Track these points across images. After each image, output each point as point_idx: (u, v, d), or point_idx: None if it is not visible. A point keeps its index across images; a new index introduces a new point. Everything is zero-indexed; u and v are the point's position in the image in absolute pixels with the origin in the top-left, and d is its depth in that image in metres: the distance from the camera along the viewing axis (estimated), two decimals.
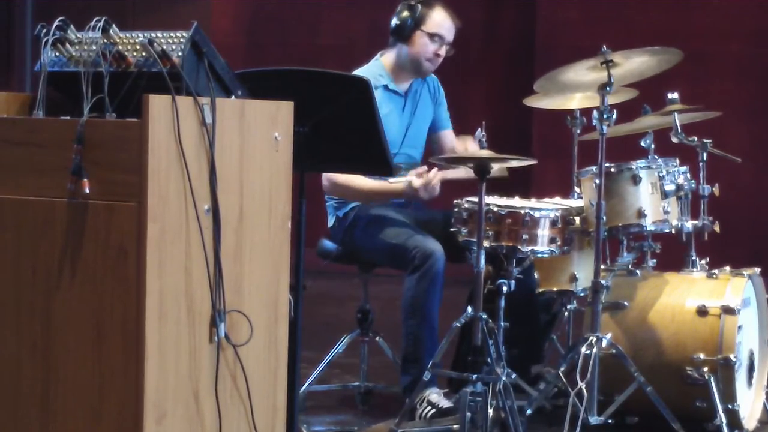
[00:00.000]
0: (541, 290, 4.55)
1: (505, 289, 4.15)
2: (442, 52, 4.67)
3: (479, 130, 4.17)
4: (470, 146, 4.72)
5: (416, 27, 4.62)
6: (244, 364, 3.05)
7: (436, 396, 4.36)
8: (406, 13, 4.64)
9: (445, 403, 4.34)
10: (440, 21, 4.65)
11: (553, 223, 4.26)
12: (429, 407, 4.33)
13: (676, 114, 4.57)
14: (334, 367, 4.93)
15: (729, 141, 5.40)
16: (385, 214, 4.58)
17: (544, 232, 4.24)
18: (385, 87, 4.62)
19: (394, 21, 4.66)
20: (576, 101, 4.90)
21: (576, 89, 4.72)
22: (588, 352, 4.17)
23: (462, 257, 4.41)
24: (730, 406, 4.25)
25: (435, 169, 4.39)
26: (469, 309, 4.07)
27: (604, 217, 4.25)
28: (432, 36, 4.63)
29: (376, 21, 6.93)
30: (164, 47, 2.94)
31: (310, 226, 3.71)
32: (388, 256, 4.49)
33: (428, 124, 4.82)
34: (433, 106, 4.84)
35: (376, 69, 4.67)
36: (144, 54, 2.96)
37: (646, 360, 4.33)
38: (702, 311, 4.33)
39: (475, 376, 3.95)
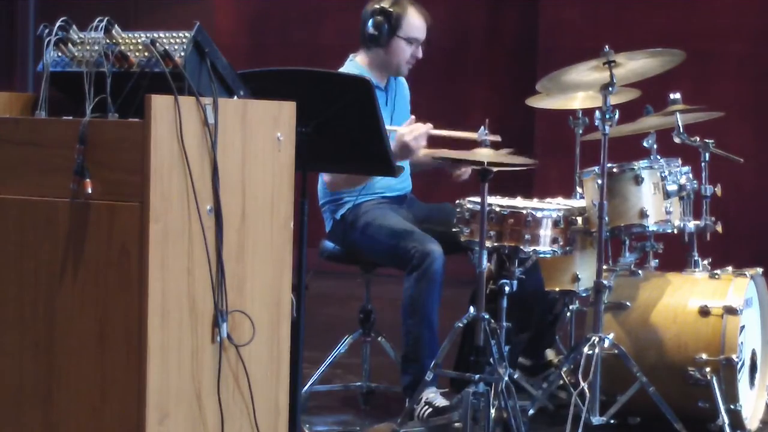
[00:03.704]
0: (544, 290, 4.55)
1: (507, 289, 4.15)
2: (419, 53, 4.71)
3: (482, 128, 4.17)
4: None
5: (392, 33, 4.64)
6: (247, 364, 3.06)
7: (433, 395, 4.36)
8: (380, 19, 4.63)
9: (441, 402, 4.34)
10: (415, 23, 4.67)
11: (556, 223, 4.26)
12: (426, 407, 4.34)
13: (678, 114, 4.57)
14: (337, 367, 4.93)
15: (731, 141, 5.40)
16: (383, 212, 4.58)
17: (546, 232, 4.24)
18: None
19: (370, 28, 4.65)
20: (578, 101, 4.90)
21: (578, 89, 4.73)
22: (590, 352, 4.18)
23: (461, 248, 4.40)
24: (732, 407, 4.25)
25: (427, 124, 4.44)
26: (472, 309, 4.07)
27: (607, 218, 4.25)
28: (409, 40, 4.66)
29: None
30: (167, 47, 2.94)
31: (312, 226, 3.71)
32: (387, 256, 4.50)
33: (407, 118, 4.83)
34: (407, 97, 4.89)
35: (355, 69, 4.67)
36: (146, 54, 2.97)
37: (648, 360, 4.33)
38: (704, 311, 4.33)
39: (477, 376, 3.95)
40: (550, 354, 4.88)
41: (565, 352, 4.76)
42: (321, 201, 4.70)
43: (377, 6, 4.67)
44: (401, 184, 4.75)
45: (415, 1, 4.73)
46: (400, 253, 4.40)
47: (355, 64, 4.73)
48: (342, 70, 4.72)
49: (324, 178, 4.61)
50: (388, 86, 4.78)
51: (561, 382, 4.42)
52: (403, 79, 4.89)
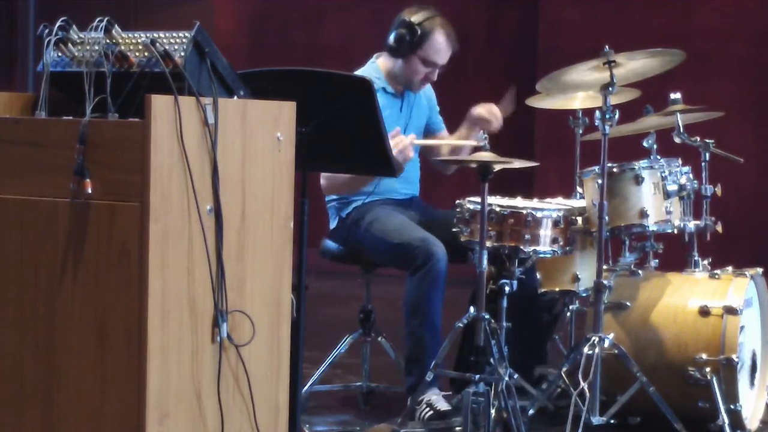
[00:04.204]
0: (543, 290, 4.55)
1: (507, 289, 4.15)
2: (434, 76, 4.65)
3: (481, 132, 4.17)
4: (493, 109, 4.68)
5: (412, 50, 4.58)
6: (247, 364, 3.06)
7: (435, 398, 4.35)
8: (404, 32, 4.56)
9: (443, 406, 4.33)
10: (438, 48, 4.59)
11: (556, 224, 4.26)
12: (427, 409, 4.33)
13: (678, 114, 4.57)
14: (337, 367, 4.93)
15: (731, 141, 5.39)
16: (388, 213, 4.58)
17: (546, 232, 4.24)
18: (383, 89, 4.61)
19: (392, 37, 4.60)
20: (578, 101, 4.90)
21: (578, 89, 4.72)
22: (590, 352, 4.17)
23: (464, 258, 4.41)
24: (732, 407, 4.25)
25: (411, 135, 4.42)
26: (472, 309, 4.07)
27: (607, 218, 4.25)
28: (426, 62, 4.60)
29: (378, 21, 6.92)
30: (167, 47, 2.94)
31: (312, 226, 3.71)
32: (391, 255, 4.49)
33: (424, 124, 4.82)
34: (428, 107, 4.84)
35: (373, 72, 4.66)
36: (146, 54, 2.97)
37: (648, 360, 4.32)
38: (704, 311, 4.33)
39: (477, 376, 3.95)
40: (538, 371, 4.81)
41: (565, 353, 4.75)
42: (327, 197, 4.69)
43: (408, 18, 4.58)
44: (406, 188, 4.74)
45: (447, 23, 4.62)
46: (404, 252, 4.39)
47: (375, 67, 4.69)
48: (362, 69, 4.69)
49: (321, 180, 4.60)
50: (406, 93, 4.73)
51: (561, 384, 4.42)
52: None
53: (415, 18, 4.58)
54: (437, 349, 4.31)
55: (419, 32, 4.56)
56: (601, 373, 4.16)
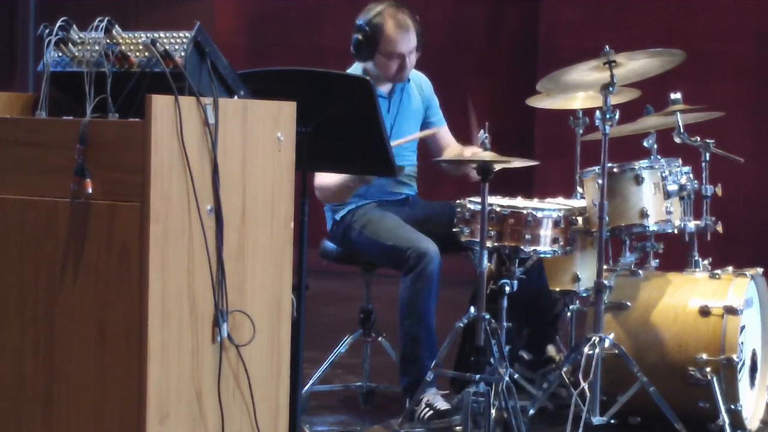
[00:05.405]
0: None
1: (507, 289, 4.16)
2: (406, 62, 4.57)
3: (482, 131, 4.18)
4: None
5: (372, 49, 4.53)
6: (247, 364, 3.06)
7: (433, 397, 4.35)
8: (359, 37, 4.53)
9: (443, 405, 4.33)
10: (393, 38, 4.52)
11: (556, 224, 4.26)
12: (426, 409, 4.33)
13: (678, 114, 4.57)
14: (337, 367, 4.93)
15: (732, 141, 5.39)
16: (381, 214, 4.58)
17: (546, 232, 4.24)
18: None
19: (352, 46, 4.56)
20: (579, 101, 4.90)
21: (579, 89, 4.72)
22: (591, 352, 4.18)
23: (461, 246, 4.38)
24: (732, 407, 4.25)
25: None
26: (472, 309, 4.07)
27: (607, 218, 4.25)
28: (389, 55, 4.55)
29: None
30: (167, 47, 2.94)
31: (312, 226, 3.71)
32: (385, 256, 4.49)
33: (418, 123, 4.79)
34: (423, 103, 4.81)
35: (360, 72, 4.64)
36: (147, 54, 2.97)
37: (648, 360, 4.32)
38: (705, 311, 4.33)
39: (477, 376, 3.95)
40: (551, 350, 4.87)
41: (566, 352, 4.76)
42: None
43: (359, 21, 4.56)
44: (401, 189, 4.73)
45: (399, 9, 4.56)
46: (396, 254, 4.39)
47: (359, 69, 4.66)
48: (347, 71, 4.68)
49: (315, 181, 4.55)
50: (393, 93, 4.69)
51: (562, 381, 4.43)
52: (419, 80, 4.79)
53: (364, 18, 4.55)
54: (433, 349, 4.32)
55: (370, 32, 4.52)
56: (601, 373, 4.16)
